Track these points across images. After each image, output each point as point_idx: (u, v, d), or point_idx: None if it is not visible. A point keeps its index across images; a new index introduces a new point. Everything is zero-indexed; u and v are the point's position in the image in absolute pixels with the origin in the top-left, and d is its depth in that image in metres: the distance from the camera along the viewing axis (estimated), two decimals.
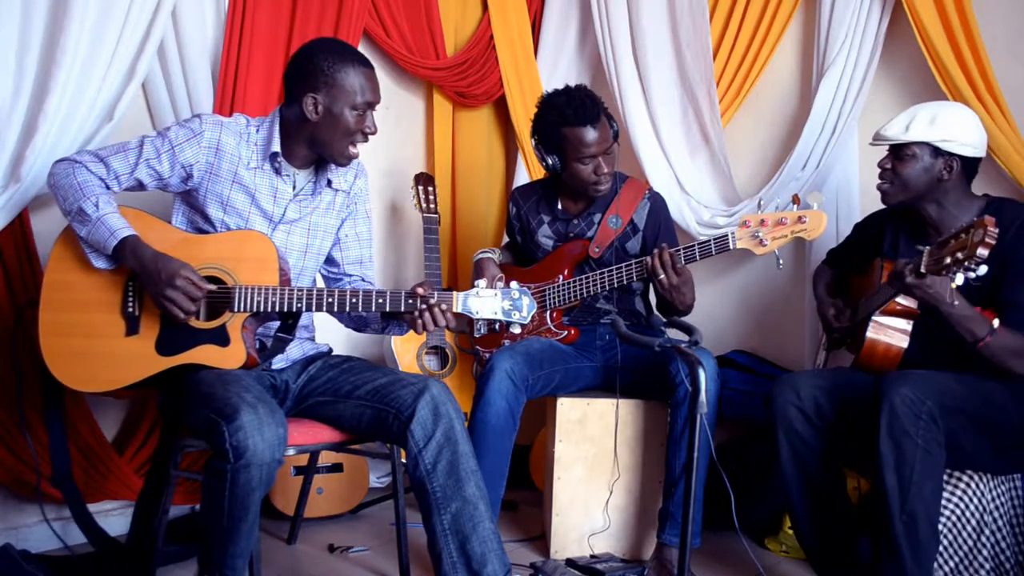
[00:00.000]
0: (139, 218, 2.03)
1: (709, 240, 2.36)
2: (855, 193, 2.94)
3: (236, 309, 2.00)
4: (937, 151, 2.20)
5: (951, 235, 1.92)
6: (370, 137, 2.11)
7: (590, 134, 2.50)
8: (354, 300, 2.02)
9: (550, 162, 2.61)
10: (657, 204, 2.71)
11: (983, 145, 2.24)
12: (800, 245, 3.10)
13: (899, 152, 2.23)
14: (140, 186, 2.06)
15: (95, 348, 2.00)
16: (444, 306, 2.00)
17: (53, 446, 2.37)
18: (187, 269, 1.95)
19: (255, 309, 2.01)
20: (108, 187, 2.01)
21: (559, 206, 2.73)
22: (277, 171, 2.12)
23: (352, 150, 2.10)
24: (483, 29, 3.58)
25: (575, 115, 2.50)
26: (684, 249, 2.38)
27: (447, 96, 3.59)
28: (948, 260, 1.88)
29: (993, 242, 1.80)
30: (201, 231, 2.11)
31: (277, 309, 2.02)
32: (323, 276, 2.37)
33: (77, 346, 2.01)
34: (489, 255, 2.80)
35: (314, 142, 2.10)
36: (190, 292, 1.94)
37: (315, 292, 2.03)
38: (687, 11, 3.19)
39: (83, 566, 2.35)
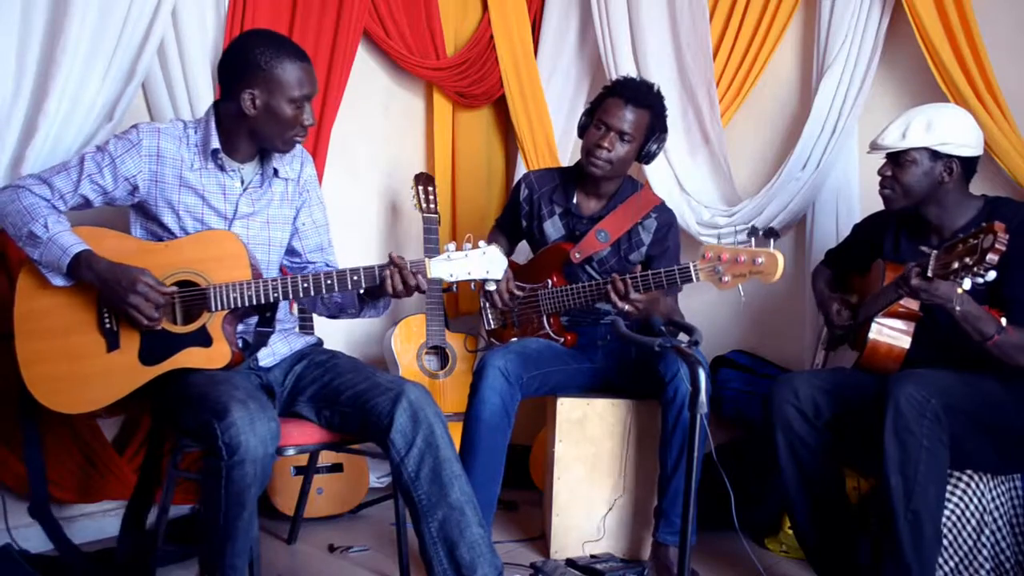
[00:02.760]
0: (97, 234, 2.02)
1: (674, 270, 2.34)
2: (855, 193, 2.95)
3: (213, 308, 2.00)
4: (936, 155, 2.19)
5: (958, 239, 1.91)
6: (307, 130, 2.10)
7: (620, 108, 2.55)
8: (328, 282, 2.02)
9: (581, 120, 2.68)
10: (663, 224, 2.68)
11: (980, 143, 2.24)
12: (800, 244, 3.11)
13: (898, 159, 2.23)
14: (87, 203, 2.05)
15: (79, 370, 1.99)
16: (419, 274, 2.01)
17: (31, 476, 2.34)
18: (146, 274, 1.94)
19: (233, 306, 2.00)
20: (55, 207, 2.00)
21: (574, 200, 2.72)
22: (221, 168, 2.10)
23: (295, 139, 2.10)
24: (483, 29, 3.58)
25: (621, 88, 2.59)
26: (652, 275, 2.37)
27: (447, 96, 3.58)
28: (956, 265, 1.88)
29: (1004, 248, 1.80)
30: (161, 240, 2.09)
31: (255, 302, 2.01)
32: (287, 267, 2.36)
33: (60, 371, 1.99)
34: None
35: (254, 135, 2.09)
36: (152, 298, 1.93)
37: (290, 280, 2.02)
38: (687, 11, 3.19)
39: (83, 566, 2.35)
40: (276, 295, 2.02)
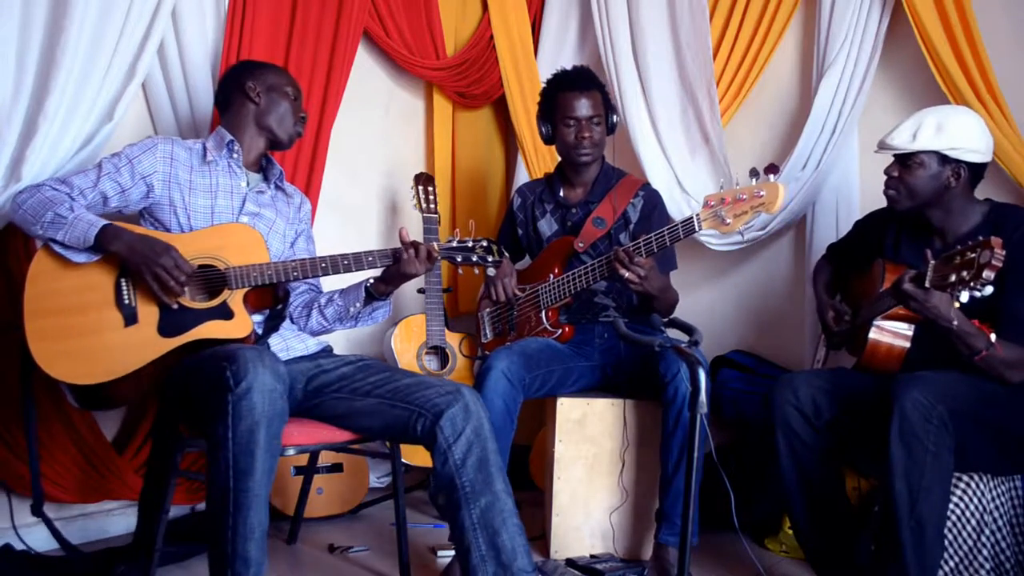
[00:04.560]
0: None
1: (677, 225, 2.36)
2: (855, 193, 2.95)
3: (234, 287, 2.07)
4: (945, 159, 2.18)
5: (956, 251, 1.89)
6: (304, 123, 2.36)
7: (578, 99, 2.68)
8: (346, 262, 2.12)
9: (544, 131, 2.78)
10: (650, 200, 2.76)
11: (990, 150, 2.23)
12: (800, 244, 3.11)
13: (906, 160, 2.21)
14: (104, 201, 2.11)
15: (94, 343, 1.99)
16: (429, 249, 2.15)
17: (33, 479, 2.35)
18: (175, 249, 2.01)
19: (253, 284, 2.07)
20: (75, 200, 2.05)
21: (561, 193, 2.81)
22: (230, 165, 2.23)
23: (297, 127, 2.32)
24: (483, 29, 3.59)
25: (568, 81, 2.73)
26: (655, 236, 2.39)
27: (447, 96, 3.59)
28: (953, 278, 1.87)
29: (1000, 264, 1.79)
30: None
31: (274, 280, 2.09)
32: None
33: (74, 346, 1.98)
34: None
35: (261, 126, 2.28)
36: (180, 264, 1.99)
37: (308, 261, 2.12)
38: (687, 11, 3.19)
39: (83, 566, 2.35)
40: (296, 274, 2.11)
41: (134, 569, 2.25)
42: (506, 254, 2.80)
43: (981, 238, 1.84)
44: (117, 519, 2.71)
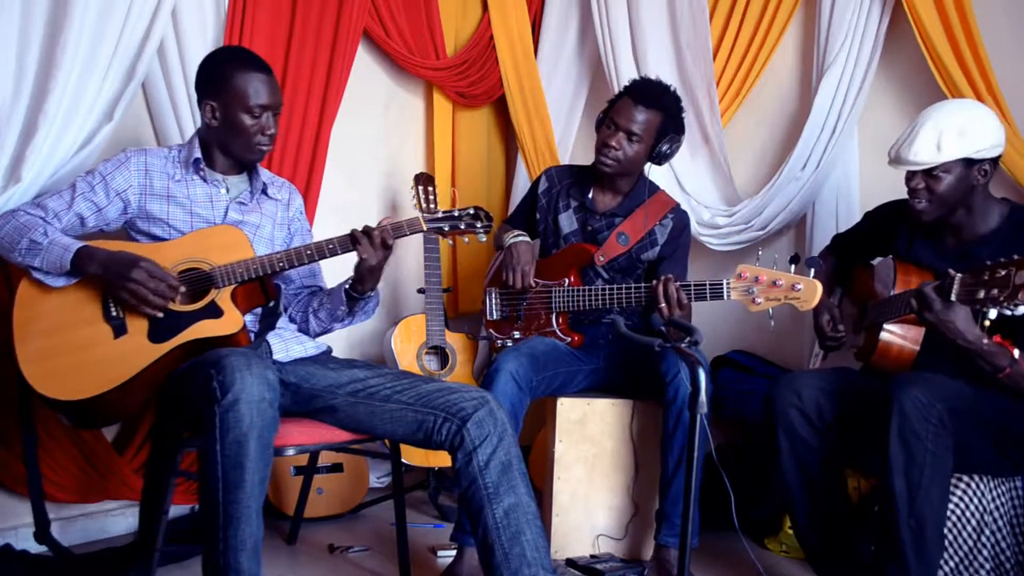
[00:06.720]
0: (99, 243, 2.03)
1: (704, 284, 2.35)
2: (855, 193, 2.95)
3: (220, 285, 2.05)
4: (970, 162, 2.12)
5: (986, 266, 1.85)
6: (272, 139, 2.18)
7: (629, 107, 2.60)
8: (331, 246, 2.10)
9: (598, 119, 2.72)
10: (679, 225, 2.73)
11: (1004, 138, 2.18)
12: (800, 244, 3.11)
13: (931, 171, 2.14)
14: (80, 223, 2.09)
15: (83, 359, 1.97)
16: (384, 231, 2.10)
17: (33, 501, 2.33)
18: (146, 260, 1.97)
19: (239, 279, 2.05)
20: (50, 224, 2.03)
21: (589, 195, 2.76)
22: (204, 179, 2.18)
23: (259, 148, 2.17)
24: (483, 29, 3.59)
25: (634, 89, 2.65)
26: (682, 286, 2.38)
27: (447, 96, 3.59)
28: (983, 294, 1.83)
29: None
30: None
31: (260, 274, 2.07)
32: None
33: (66, 363, 1.97)
34: (524, 238, 2.76)
35: (222, 147, 2.19)
36: (155, 273, 1.95)
37: (293, 250, 2.09)
38: (687, 11, 3.19)
39: (83, 566, 2.35)
40: (282, 264, 2.08)
41: (134, 569, 2.25)
42: (528, 237, 2.79)
43: (1016, 256, 1.80)
44: (117, 519, 2.71)
